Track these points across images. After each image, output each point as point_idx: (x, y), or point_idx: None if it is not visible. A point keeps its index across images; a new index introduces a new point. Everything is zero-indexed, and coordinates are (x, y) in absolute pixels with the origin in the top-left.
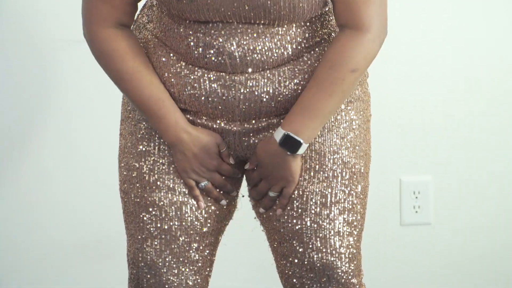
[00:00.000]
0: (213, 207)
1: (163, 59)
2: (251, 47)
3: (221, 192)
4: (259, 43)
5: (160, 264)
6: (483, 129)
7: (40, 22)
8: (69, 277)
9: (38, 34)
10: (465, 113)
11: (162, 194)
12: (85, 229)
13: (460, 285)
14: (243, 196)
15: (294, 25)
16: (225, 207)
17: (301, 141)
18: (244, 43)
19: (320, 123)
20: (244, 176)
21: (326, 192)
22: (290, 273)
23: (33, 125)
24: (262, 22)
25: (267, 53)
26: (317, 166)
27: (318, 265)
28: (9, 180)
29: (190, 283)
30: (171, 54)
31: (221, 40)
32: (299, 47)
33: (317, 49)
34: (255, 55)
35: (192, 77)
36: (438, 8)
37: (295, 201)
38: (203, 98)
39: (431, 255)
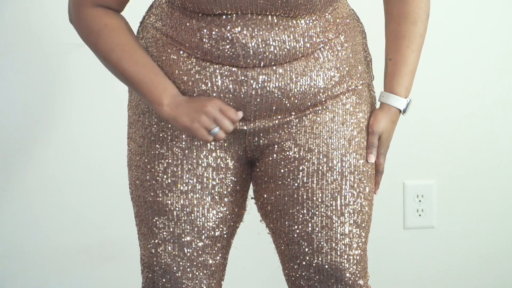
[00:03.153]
0: (224, 211)
1: (173, 56)
2: (265, 38)
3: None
4: (272, 34)
5: (175, 268)
6: (486, 133)
7: (46, 25)
8: (72, 280)
9: (44, 37)
10: (469, 117)
11: (174, 198)
12: (88, 232)
13: None
14: (252, 198)
15: (307, 18)
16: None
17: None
18: (258, 34)
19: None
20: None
21: (336, 195)
22: (297, 275)
23: (37, 129)
24: (277, 13)
25: (280, 45)
26: (325, 169)
27: (326, 266)
28: (12, 183)
29: (204, 287)
30: (181, 52)
31: (235, 31)
32: (311, 41)
33: (327, 46)
34: (269, 47)
35: (203, 73)
36: (443, 15)
37: (304, 204)
38: (214, 94)
39: (435, 259)
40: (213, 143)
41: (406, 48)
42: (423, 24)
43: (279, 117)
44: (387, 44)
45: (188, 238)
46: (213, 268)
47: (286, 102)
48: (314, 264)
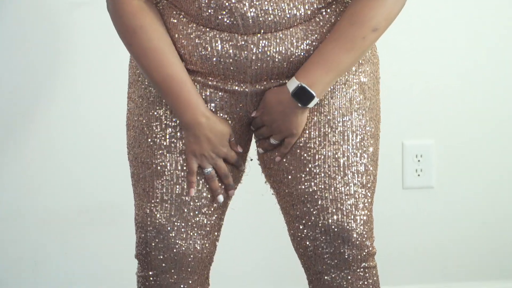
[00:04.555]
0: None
1: (174, 20)
2: (264, 8)
3: (221, 185)
4: (272, 3)
5: (169, 228)
6: (486, 93)
7: None
8: (72, 243)
9: None
10: (468, 76)
11: (173, 158)
12: (88, 194)
13: (461, 248)
14: (251, 159)
15: None
16: (220, 204)
17: (314, 94)
18: (257, 3)
19: (335, 78)
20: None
21: (338, 155)
22: (303, 235)
23: (38, 90)
24: None
25: (279, 13)
26: (327, 129)
27: (333, 227)
28: (11, 145)
29: (198, 247)
30: (181, 16)
31: (233, 0)
32: (311, 8)
33: (329, 10)
34: (268, 16)
35: (203, 38)
36: None
37: (308, 164)
38: (214, 59)
39: (433, 219)
40: (212, 104)
41: (328, 40)
42: (363, 29)
43: (281, 81)
44: None
45: (187, 198)
46: (208, 229)
47: (287, 66)
48: (320, 224)
